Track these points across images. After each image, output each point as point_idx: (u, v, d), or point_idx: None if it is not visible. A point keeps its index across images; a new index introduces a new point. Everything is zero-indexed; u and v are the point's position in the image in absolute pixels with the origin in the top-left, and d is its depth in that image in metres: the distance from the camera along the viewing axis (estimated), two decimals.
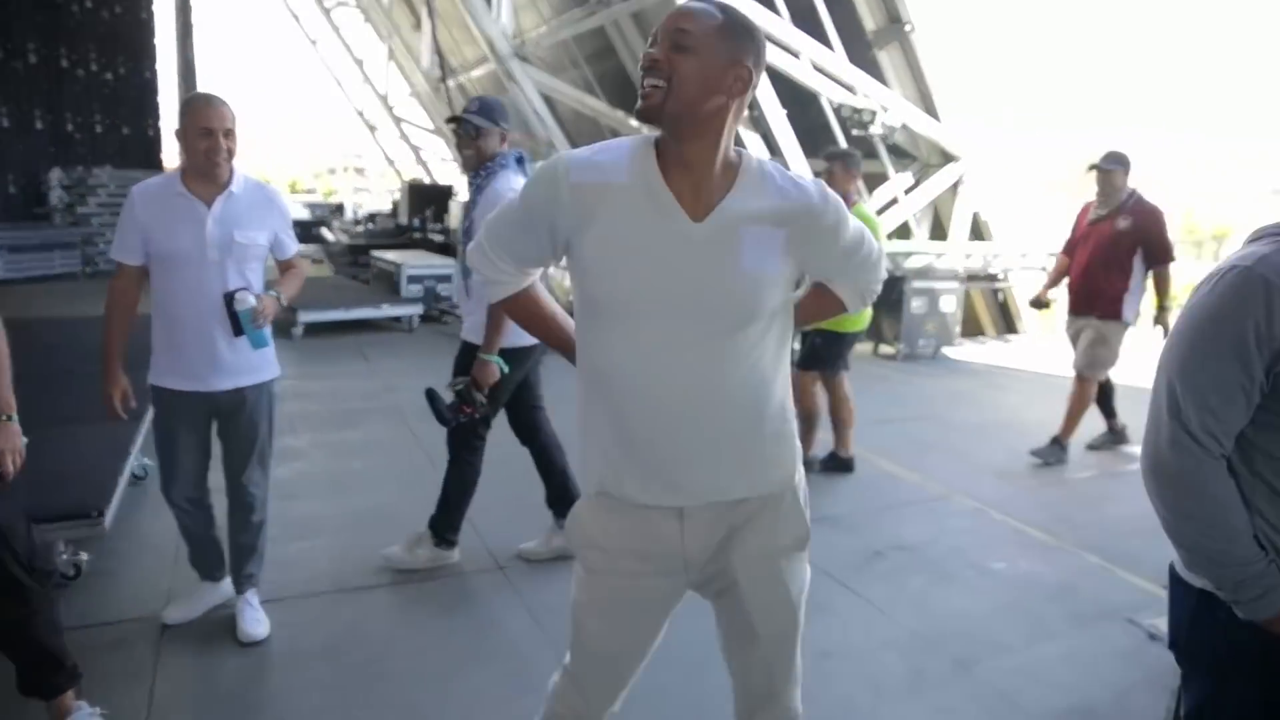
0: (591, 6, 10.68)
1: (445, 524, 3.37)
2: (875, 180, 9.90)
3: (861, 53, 9.21)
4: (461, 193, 11.84)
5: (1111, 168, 4.92)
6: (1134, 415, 5.99)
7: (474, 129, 3.09)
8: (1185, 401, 1.31)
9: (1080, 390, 5.07)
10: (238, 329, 2.61)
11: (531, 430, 3.48)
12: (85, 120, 11.49)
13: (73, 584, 2.99)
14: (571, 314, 1.58)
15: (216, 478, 2.85)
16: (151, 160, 11.62)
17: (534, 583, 3.31)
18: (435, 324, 8.99)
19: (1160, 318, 4.98)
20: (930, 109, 9.55)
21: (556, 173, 1.44)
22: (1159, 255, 4.89)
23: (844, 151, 4.83)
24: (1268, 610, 1.31)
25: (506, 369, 3.05)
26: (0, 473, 2.02)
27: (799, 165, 8.74)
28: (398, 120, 18.88)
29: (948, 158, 9.73)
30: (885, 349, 8.58)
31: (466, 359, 3.12)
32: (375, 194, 22.72)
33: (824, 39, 8.86)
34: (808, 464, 4.51)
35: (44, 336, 5.51)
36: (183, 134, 2.55)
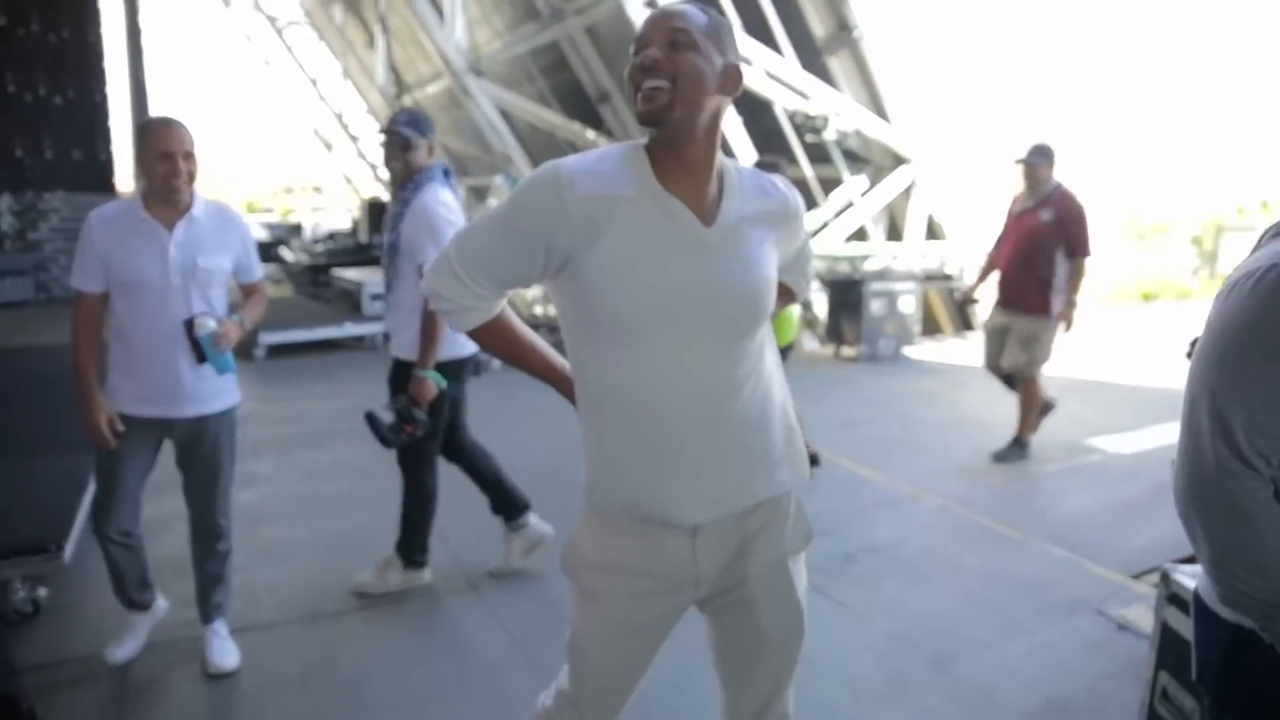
0: (545, 21, 10.69)
1: (411, 546, 3.32)
2: (830, 184, 10.02)
3: (812, 59, 9.33)
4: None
5: (1036, 161, 4.94)
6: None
7: (404, 140, 3.06)
8: (1231, 419, 1.14)
9: (1027, 388, 5.11)
10: (200, 355, 2.57)
11: (456, 446, 3.43)
12: (35, 145, 11.24)
13: (32, 621, 2.91)
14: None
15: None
16: (104, 185, 11.41)
17: (509, 602, 3.28)
18: None
19: (1065, 313, 4.92)
20: (881, 113, 9.69)
21: (559, 184, 1.34)
22: (1076, 247, 4.88)
23: (770, 160, 4.80)
24: None
25: (444, 384, 3.02)
26: None
27: None
28: (354, 138, 18.74)
29: (900, 160, 9.87)
30: (846, 351, 8.67)
31: (401, 376, 3.08)
32: (333, 212, 22.48)
33: (775, 47, 8.96)
34: None
35: None
36: (141, 158, 2.50)
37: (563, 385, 1.58)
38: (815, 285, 8.83)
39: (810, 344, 9.18)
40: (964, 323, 10.63)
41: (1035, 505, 4.45)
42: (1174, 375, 7.05)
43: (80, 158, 11.60)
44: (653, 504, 1.43)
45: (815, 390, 6.84)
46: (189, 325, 2.54)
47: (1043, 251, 4.88)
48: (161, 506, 2.71)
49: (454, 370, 3.17)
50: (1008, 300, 5.06)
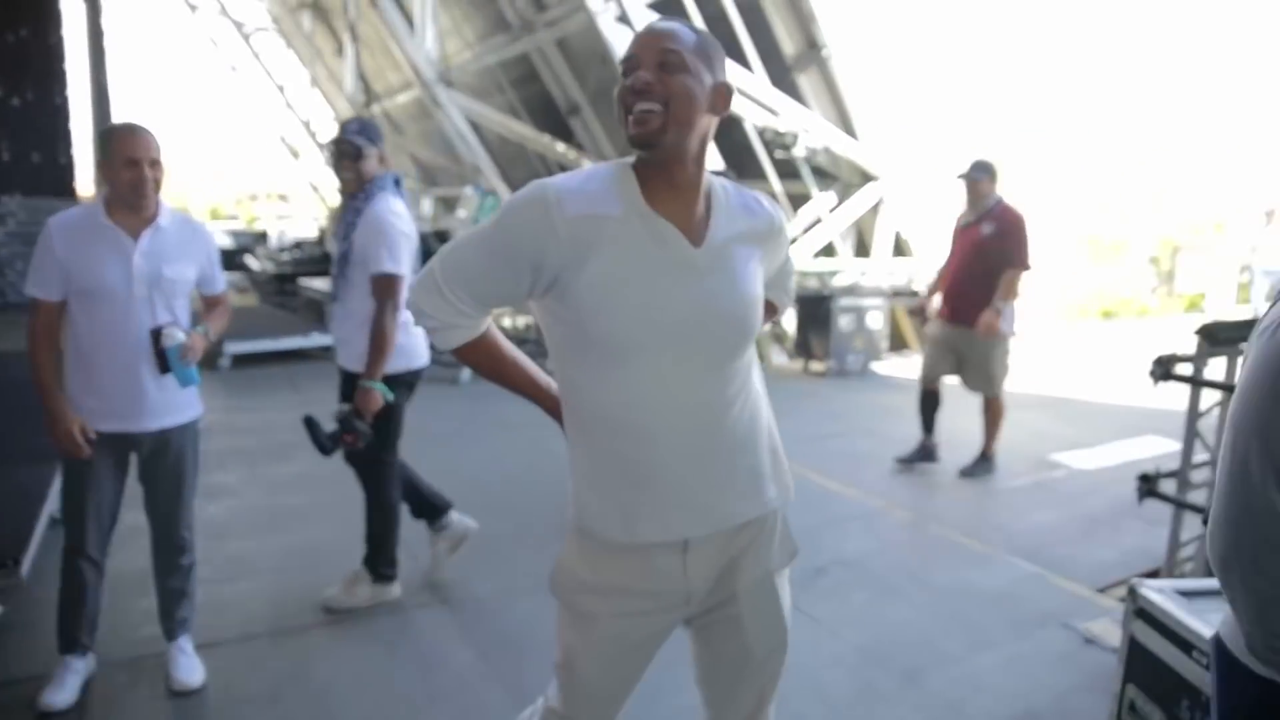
0: (516, 33, 10.72)
1: (379, 560, 3.28)
2: (799, 201, 10.12)
3: (782, 76, 9.43)
4: None
5: (977, 176, 4.99)
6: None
7: (355, 149, 3.04)
8: None
9: (990, 405, 5.14)
10: (164, 366, 2.51)
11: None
12: None
13: None
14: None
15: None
16: (64, 189, 11.20)
17: (479, 617, 3.25)
18: None
19: (988, 316, 4.86)
20: (850, 130, 9.82)
21: (547, 203, 1.33)
22: (1014, 259, 4.88)
23: (720, 174, 4.83)
24: None
25: (390, 396, 3.00)
26: None
27: None
28: (322, 146, 18.57)
29: (868, 177, 10.00)
30: (815, 366, 8.74)
31: (349, 387, 3.05)
32: (299, 221, 22.24)
33: (745, 63, 9.04)
34: None
35: None
36: (106, 165, 2.44)
37: (548, 404, 1.56)
38: None
39: (779, 359, 9.24)
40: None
41: (1001, 519, 4.51)
42: (1134, 392, 7.20)
43: (39, 161, 11.39)
44: (642, 522, 1.42)
45: (784, 404, 6.82)
46: (155, 336, 2.49)
47: (986, 265, 4.91)
48: (121, 520, 2.65)
49: (407, 382, 3.15)
50: (954, 314, 5.07)
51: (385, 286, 2.96)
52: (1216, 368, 3.47)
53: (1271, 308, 1.16)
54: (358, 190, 3.06)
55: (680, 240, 1.38)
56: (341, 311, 3.13)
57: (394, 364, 3.03)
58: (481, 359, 1.53)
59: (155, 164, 2.45)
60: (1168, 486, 3.56)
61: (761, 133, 9.37)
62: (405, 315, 3.10)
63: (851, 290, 8.89)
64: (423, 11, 10.26)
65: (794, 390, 7.88)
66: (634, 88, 1.33)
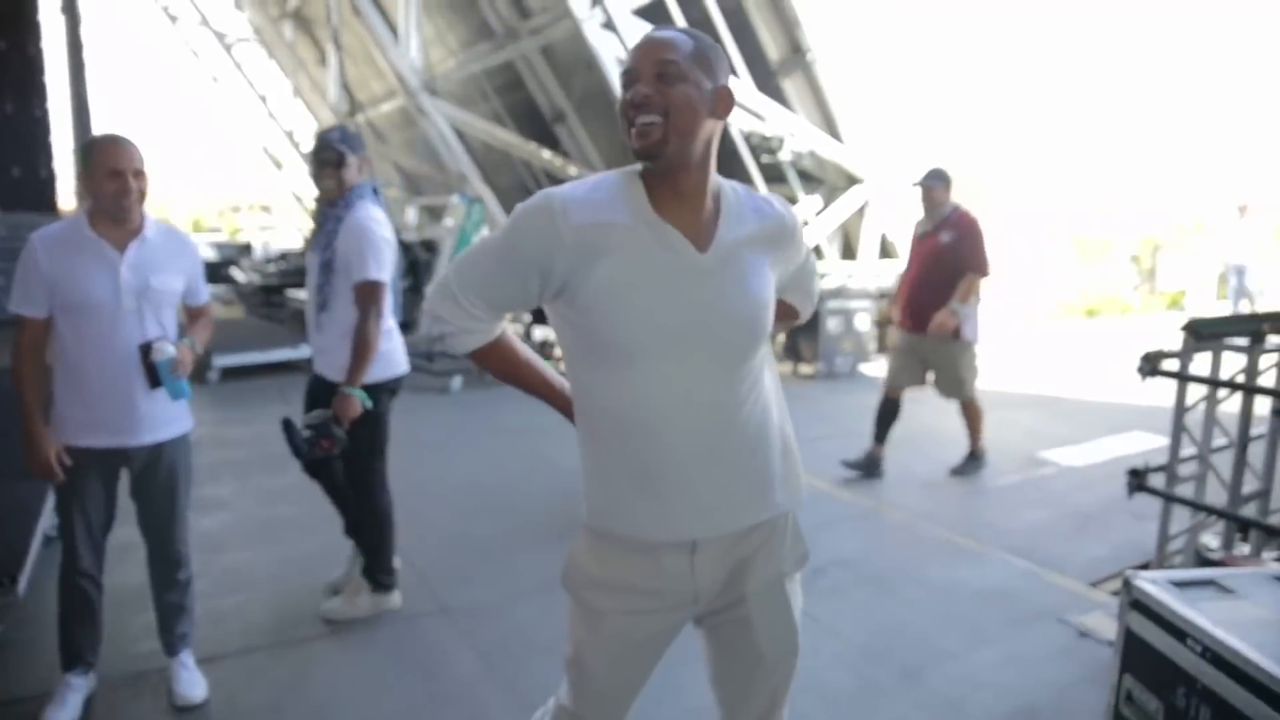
0: (500, 41, 10.72)
1: (377, 568, 3.28)
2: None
3: (766, 81, 9.48)
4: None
5: (931, 184, 5.03)
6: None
7: (339, 156, 3.04)
8: None
9: (967, 408, 5.15)
10: (155, 380, 2.49)
11: (323, 463, 3.36)
12: None
13: None
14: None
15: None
16: (45, 203, 11.06)
17: (480, 623, 3.26)
18: None
19: (941, 315, 4.88)
20: (835, 134, 9.88)
21: (553, 212, 1.37)
22: (972, 264, 4.90)
23: None
24: None
25: (369, 403, 3.01)
26: None
27: None
28: (305, 157, 18.51)
29: (853, 181, 10.07)
30: (804, 368, 8.78)
31: (323, 395, 3.05)
32: (283, 231, 22.13)
33: (730, 68, 9.08)
34: None
35: None
36: (89, 177, 2.41)
37: (561, 404, 1.59)
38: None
39: None
40: None
41: (993, 517, 4.55)
42: (1121, 389, 7.27)
43: (19, 175, 11.28)
44: (649, 522, 1.45)
45: None
46: (145, 350, 2.47)
47: (946, 273, 4.92)
48: (116, 536, 2.64)
49: (390, 389, 3.16)
50: (917, 323, 5.06)
51: (369, 293, 2.98)
52: (1202, 363, 3.52)
53: None
54: (338, 198, 3.07)
55: (686, 245, 1.41)
56: (326, 320, 3.12)
57: (377, 371, 3.03)
58: (497, 361, 1.57)
59: (139, 175, 2.43)
60: (1156, 481, 3.61)
61: (747, 137, 9.41)
62: (388, 322, 3.11)
63: (839, 293, 8.94)
64: (407, 20, 10.26)
65: (784, 393, 7.89)
66: (633, 101, 1.36)
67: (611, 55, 8.17)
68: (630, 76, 1.39)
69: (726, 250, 1.44)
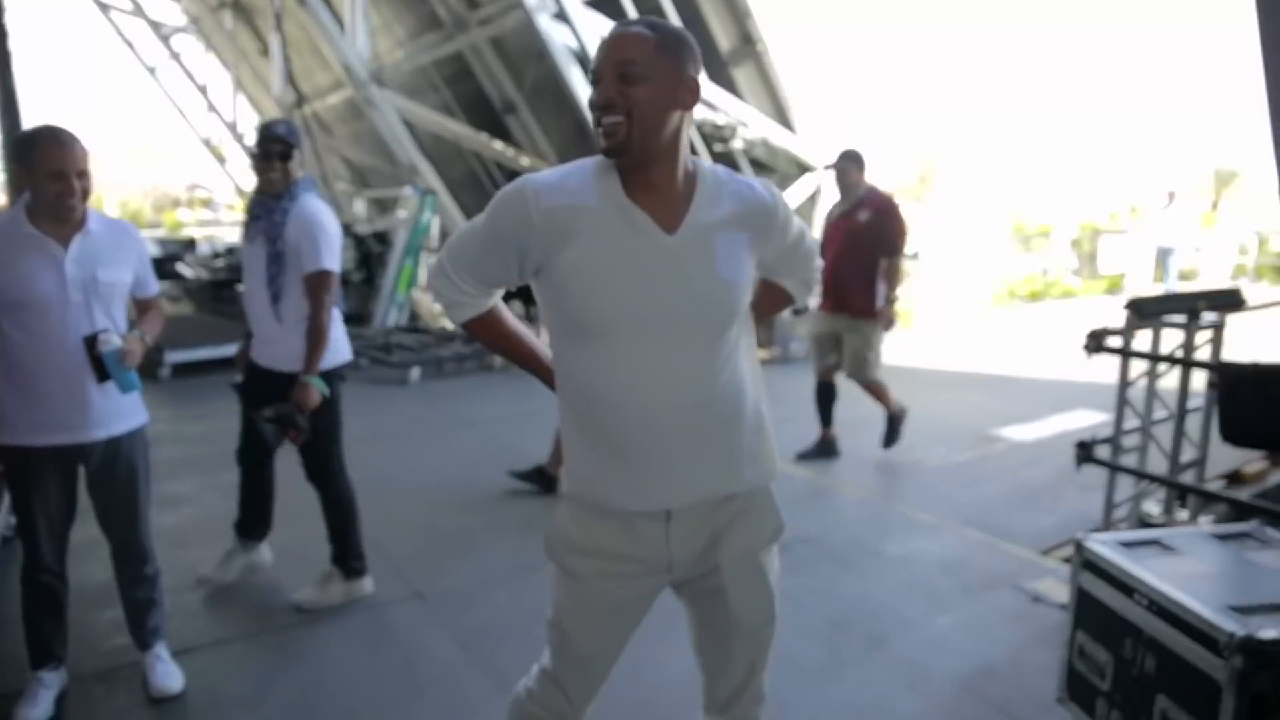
0: (449, 31, 10.64)
1: (347, 554, 3.31)
2: None
3: (718, 71, 9.57)
4: None
5: (845, 165, 5.06)
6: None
7: (288, 148, 3.05)
8: None
9: (872, 389, 5.17)
10: (102, 374, 2.45)
11: (258, 456, 3.42)
12: None
13: None
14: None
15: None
16: None
17: (456, 609, 3.29)
18: None
19: (885, 311, 4.98)
20: (786, 123, 10.02)
21: (525, 197, 1.46)
22: (890, 246, 4.93)
23: None
24: None
25: (327, 390, 3.05)
26: None
27: None
28: (248, 150, 18.14)
29: (805, 169, 10.22)
30: (760, 354, 8.89)
31: (271, 385, 3.07)
32: (225, 227, 21.68)
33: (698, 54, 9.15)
34: None
35: None
36: (28, 174, 2.34)
37: (547, 376, 1.67)
38: None
39: None
40: None
41: (948, 491, 4.71)
42: (1065, 368, 7.52)
43: None
44: (621, 491, 1.53)
45: None
46: (90, 342, 2.42)
47: (864, 253, 4.94)
48: (78, 533, 2.61)
49: (340, 375, 3.19)
50: (835, 304, 5.07)
51: (321, 283, 3.01)
52: (1143, 340, 3.70)
53: None
54: (284, 190, 3.06)
55: (653, 228, 1.47)
56: (280, 311, 3.10)
57: (328, 359, 3.07)
58: (487, 332, 1.66)
59: (83, 175, 2.38)
60: (1102, 453, 3.79)
61: (700, 127, 9.50)
62: (335, 311, 3.14)
63: None
64: (353, 10, 10.12)
65: (761, 374, 8.01)
66: (597, 103, 1.44)
67: (563, 45, 8.18)
68: (595, 76, 1.46)
69: (696, 232, 1.49)
